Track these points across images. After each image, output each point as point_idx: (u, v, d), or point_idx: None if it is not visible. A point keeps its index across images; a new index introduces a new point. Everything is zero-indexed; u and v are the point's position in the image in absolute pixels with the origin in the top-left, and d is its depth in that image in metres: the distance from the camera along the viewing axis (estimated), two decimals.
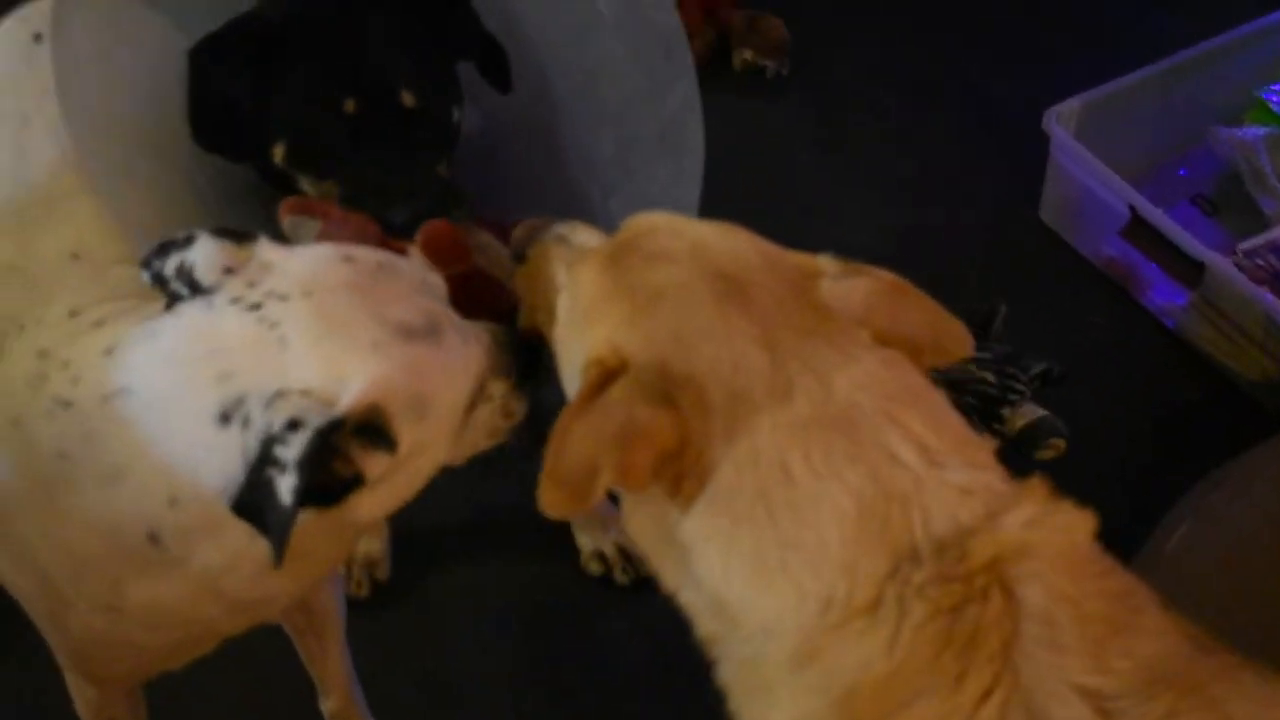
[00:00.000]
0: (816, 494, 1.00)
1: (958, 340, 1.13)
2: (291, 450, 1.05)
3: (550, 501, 1.03)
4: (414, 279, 1.21)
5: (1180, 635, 0.99)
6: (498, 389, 1.24)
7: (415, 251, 1.36)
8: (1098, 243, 2.41)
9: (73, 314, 1.29)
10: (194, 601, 1.24)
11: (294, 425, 1.06)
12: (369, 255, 1.20)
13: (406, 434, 1.12)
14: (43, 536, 1.25)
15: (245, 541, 1.12)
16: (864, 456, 1.01)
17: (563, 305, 1.17)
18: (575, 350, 1.12)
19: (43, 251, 1.39)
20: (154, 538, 1.17)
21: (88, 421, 1.18)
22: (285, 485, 1.05)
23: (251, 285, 1.14)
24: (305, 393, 1.09)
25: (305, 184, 1.54)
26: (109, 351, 1.19)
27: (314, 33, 1.54)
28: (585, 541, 2.06)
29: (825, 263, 1.13)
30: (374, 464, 1.11)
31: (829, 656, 0.99)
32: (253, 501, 1.07)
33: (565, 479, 1.02)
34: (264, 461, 1.06)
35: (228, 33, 1.52)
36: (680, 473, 1.02)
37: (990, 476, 1.03)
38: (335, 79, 1.51)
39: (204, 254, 1.16)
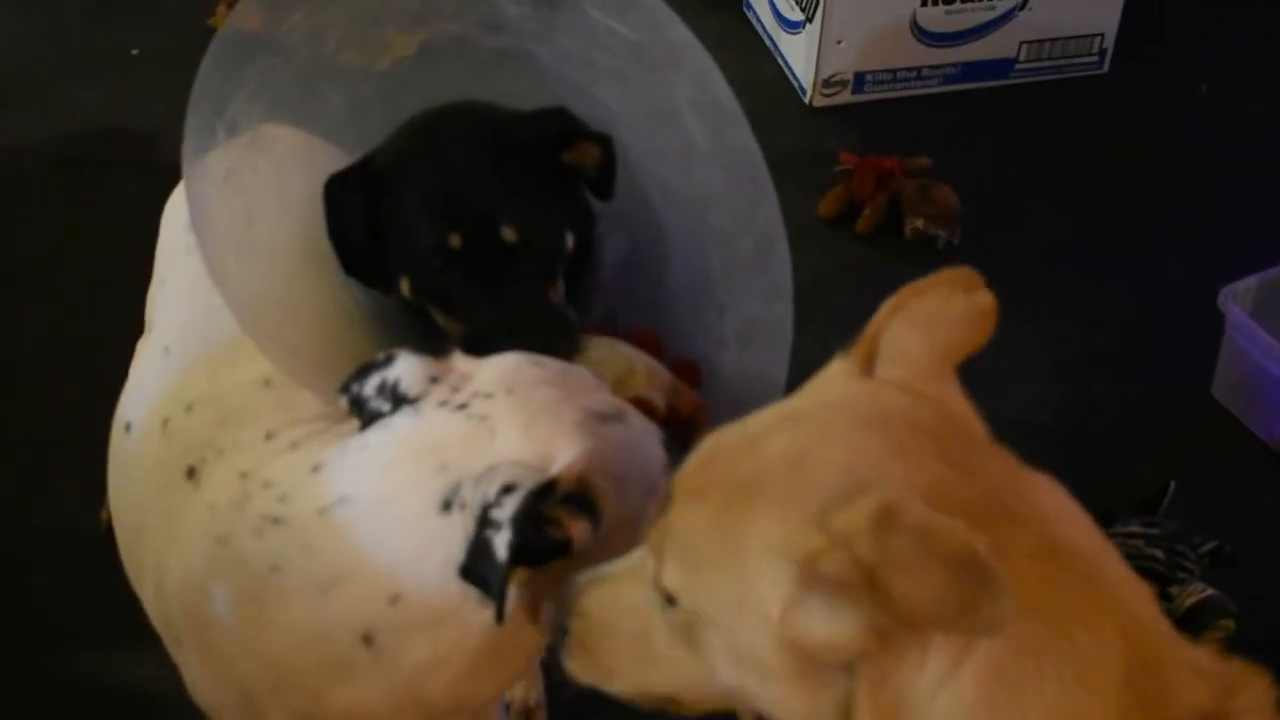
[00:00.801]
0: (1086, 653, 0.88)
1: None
2: (505, 510, 1.14)
3: None
4: (592, 377, 1.30)
5: None
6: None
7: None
8: (1272, 423, 2.37)
9: (268, 437, 1.37)
10: (392, 709, 1.29)
11: (508, 489, 1.15)
12: (552, 360, 1.30)
13: (609, 507, 1.18)
14: (247, 650, 1.31)
15: (457, 636, 1.21)
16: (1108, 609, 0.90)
17: (673, 578, 0.98)
18: (735, 584, 0.93)
19: (233, 381, 1.47)
20: (369, 639, 1.23)
21: (304, 534, 1.26)
22: (501, 541, 1.14)
23: (455, 390, 1.25)
24: (516, 464, 1.17)
25: (438, 317, 1.57)
26: (316, 469, 1.28)
27: (420, 172, 1.57)
28: None
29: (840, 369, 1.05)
30: (580, 531, 1.18)
31: None
32: (474, 565, 1.16)
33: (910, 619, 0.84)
34: (482, 526, 1.15)
35: (348, 172, 1.58)
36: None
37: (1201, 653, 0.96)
38: (439, 217, 1.53)
39: (408, 369, 1.26)
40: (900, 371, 1.02)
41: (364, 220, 1.57)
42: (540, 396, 1.23)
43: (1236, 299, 2.34)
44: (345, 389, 1.28)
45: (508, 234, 1.52)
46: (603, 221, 1.67)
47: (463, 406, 1.22)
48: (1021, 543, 0.88)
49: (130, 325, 1.71)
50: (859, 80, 3.04)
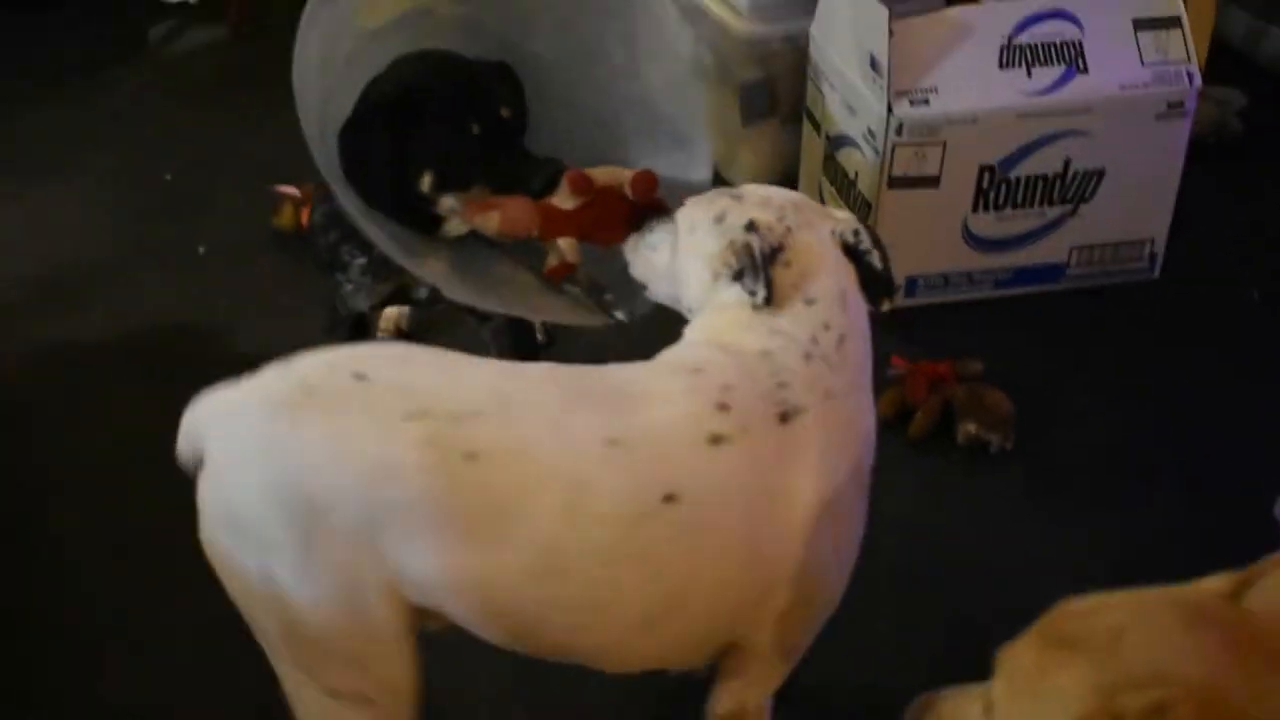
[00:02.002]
0: None
1: None
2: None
3: None
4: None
5: None
6: None
7: None
8: None
9: None
10: None
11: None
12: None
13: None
14: None
15: None
16: None
17: (997, 689, 1.20)
18: None
19: None
20: None
21: None
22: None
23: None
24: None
25: (448, 203, 2.18)
26: None
27: (432, 90, 2.17)
28: None
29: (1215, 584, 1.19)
30: None
31: None
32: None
33: None
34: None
35: (366, 111, 2.17)
36: None
37: None
38: (462, 114, 2.16)
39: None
40: (1262, 608, 1.16)
41: (388, 145, 2.12)
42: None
43: None
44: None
45: (505, 112, 2.21)
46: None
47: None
48: None
49: None
50: (911, 284, 3.09)
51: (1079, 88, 2.95)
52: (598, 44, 2.39)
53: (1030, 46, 2.94)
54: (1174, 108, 2.99)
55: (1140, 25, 2.99)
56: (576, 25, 2.39)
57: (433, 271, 2.18)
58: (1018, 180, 3.00)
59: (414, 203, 2.20)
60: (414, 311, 2.82)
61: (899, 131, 2.87)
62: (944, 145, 2.91)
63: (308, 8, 2.06)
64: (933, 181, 2.95)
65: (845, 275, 1.78)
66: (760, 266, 1.72)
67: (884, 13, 2.76)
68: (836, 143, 3.11)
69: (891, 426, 2.77)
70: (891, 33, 2.79)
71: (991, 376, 2.84)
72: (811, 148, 3.28)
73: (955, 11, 3.02)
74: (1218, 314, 3.17)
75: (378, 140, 2.13)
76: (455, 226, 2.24)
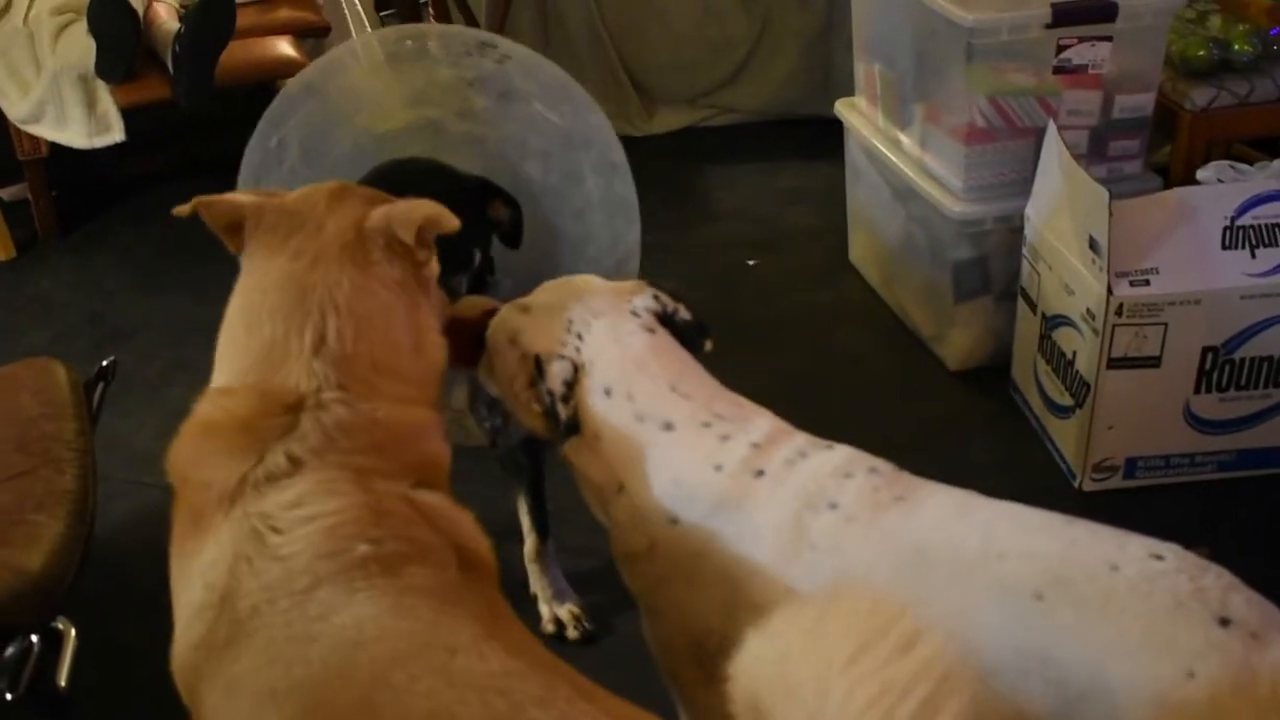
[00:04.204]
0: None
1: None
2: None
3: None
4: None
5: None
6: None
7: None
8: None
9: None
10: None
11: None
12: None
13: None
14: None
15: None
16: None
17: None
18: None
19: None
20: None
21: None
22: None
23: None
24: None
25: None
26: None
27: (375, 179, 2.15)
28: (544, 610, 2.64)
29: None
30: None
31: None
32: None
33: None
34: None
35: None
36: None
37: None
38: None
39: None
40: None
41: None
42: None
43: None
44: None
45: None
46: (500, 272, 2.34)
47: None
48: None
49: None
50: (1130, 465, 3.04)
51: None
52: (575, 171, 2.50)
53: (1254, 228, 2.91)
54: None
55: None
56: (554, 155, 2.51)
57: None
58: (1242, 361, 2.95)
59: None
60: None
61: (1119, 312, 2.85)
62: (1165, 326, 2.88)
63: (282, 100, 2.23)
64: (1153, 362, 2.92)
65: (650, 348, 1.85)
66: (556, 417, 1.80)
67: (1104, 194, 2.78)
68: (1053, 322, 3.11)
69: None
70: (1111, 213, 2.79)
71: (1219, 561, 2.75)
72: (1027, 326, 3.28)
73: (1176, 193, 3.02)
74: None
75: None
76: None
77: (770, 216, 4.48)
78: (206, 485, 1.53)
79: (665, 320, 1.89)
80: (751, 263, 4.19)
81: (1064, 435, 3.12)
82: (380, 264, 1.68)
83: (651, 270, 4.04)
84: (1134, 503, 3.02)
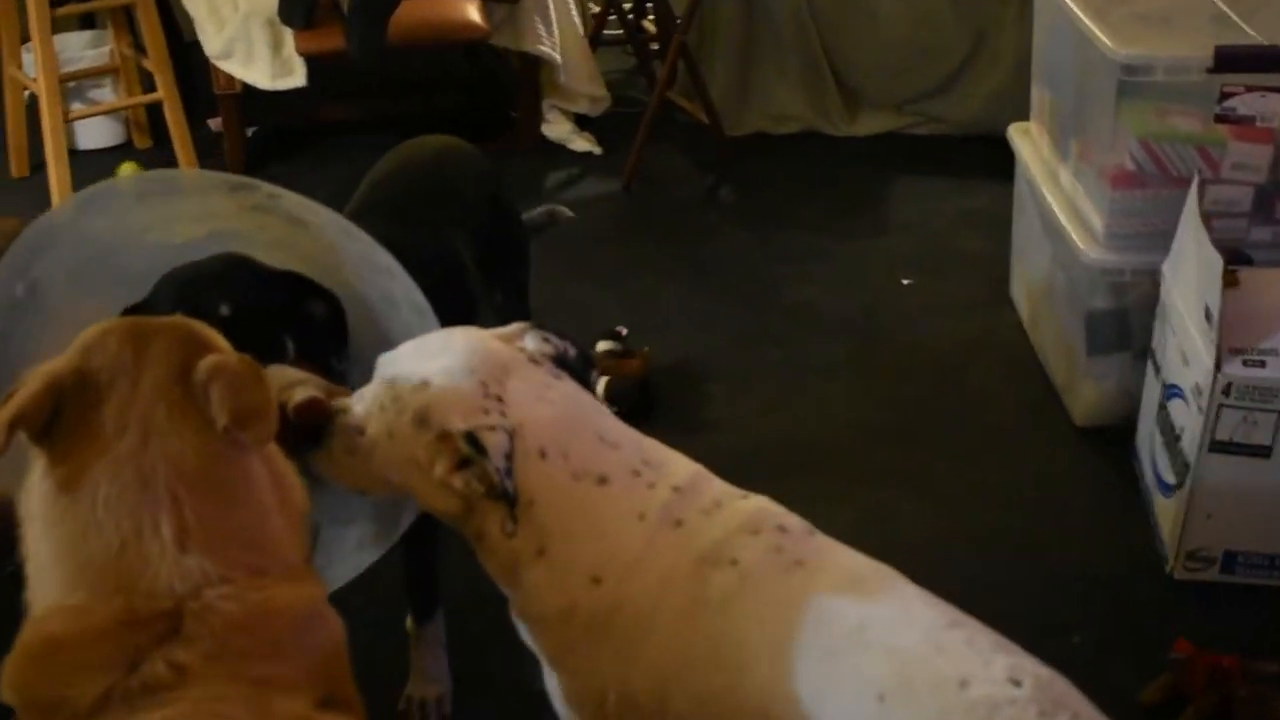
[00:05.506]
0: None
1: None
2: None
3: None
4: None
5: None
6: None
7: None
8: None
9: None
10: None
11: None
12: None
13: None
14: None
15: None
16: None
17: None
18: None
19: None
20: None
21: None
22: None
23: None
24: None
25: None
26: None
27: (172, 274, 2.03)
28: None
29: None
30: None
31: None
32: None
33: None
34: None
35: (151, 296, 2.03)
36: None
37: None
38: (172, 297, 2.00)
39: None
40: None
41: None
42: None
43: None
44: None
45: (224, 309, 1.97)
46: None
47: None
48: None
49: None
50: (1228, 559, 2.77)
51: None
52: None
53: None
54: None
55: None
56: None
57: None
58: None
59: None
60: None
61: (1226, 392, 2.59)
62: (1279, 415, 2.61)
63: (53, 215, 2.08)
64: (1263, 451, 2.64)
65: (569, 399, 1.74)
66: (506, 493, 1.62)
67: (1219, 261, 2.52)
68: (1169, 392, 2.85)
69: (1160, 713, 2.48)
70: (1232, 283, 2.54)
71: None
72: (1151, 391, 3.01)
73: None
74: None
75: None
76: None
77: (941, 236, 4.27)
78: (55, 706, 1.28)
79: (560, 362, 1.78)
80: (906, 282, 4.01)
81: (1165, 515, 2.86)
82: None
83: (791, 278, 3.95)
84: (1228, 599, 2.76)
